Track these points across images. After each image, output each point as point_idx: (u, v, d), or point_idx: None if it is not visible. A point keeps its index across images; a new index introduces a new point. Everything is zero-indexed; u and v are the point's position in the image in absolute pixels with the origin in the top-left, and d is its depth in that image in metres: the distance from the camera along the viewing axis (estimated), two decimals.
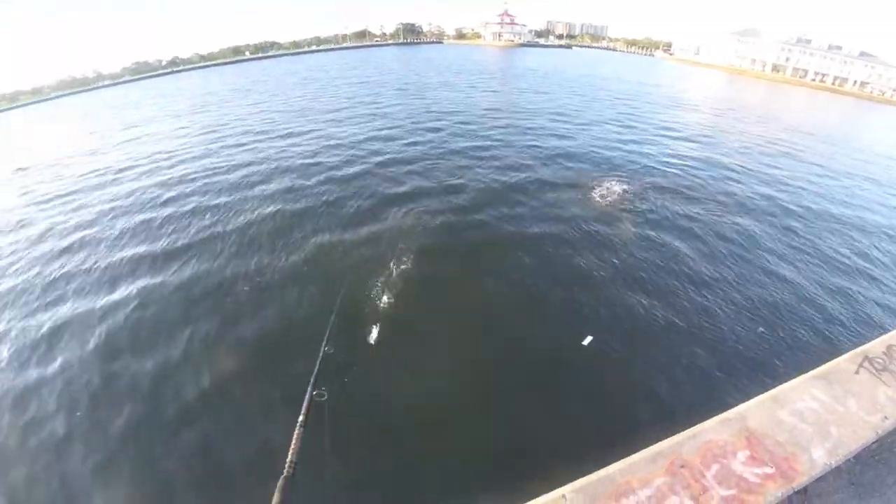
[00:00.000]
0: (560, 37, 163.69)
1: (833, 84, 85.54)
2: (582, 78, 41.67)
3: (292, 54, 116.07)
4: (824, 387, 3.83)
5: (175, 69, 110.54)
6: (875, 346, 4.22)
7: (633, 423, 5.18)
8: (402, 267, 8.45)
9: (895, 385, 3.71)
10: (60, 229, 12.56)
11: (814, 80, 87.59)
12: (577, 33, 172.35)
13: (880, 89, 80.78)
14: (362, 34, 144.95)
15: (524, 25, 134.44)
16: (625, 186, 11.71)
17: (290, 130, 21.38)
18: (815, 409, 3.59)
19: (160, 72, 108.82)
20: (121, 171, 18.04)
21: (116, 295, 8.51)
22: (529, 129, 18.82)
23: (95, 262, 9.89)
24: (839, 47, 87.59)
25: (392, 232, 9.76)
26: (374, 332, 6.82)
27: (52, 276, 9.71)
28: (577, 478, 3.11)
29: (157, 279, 8.91)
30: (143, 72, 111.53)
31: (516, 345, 6.54)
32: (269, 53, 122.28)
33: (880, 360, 3.98)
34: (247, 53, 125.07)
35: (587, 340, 6.38)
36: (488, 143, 16.82)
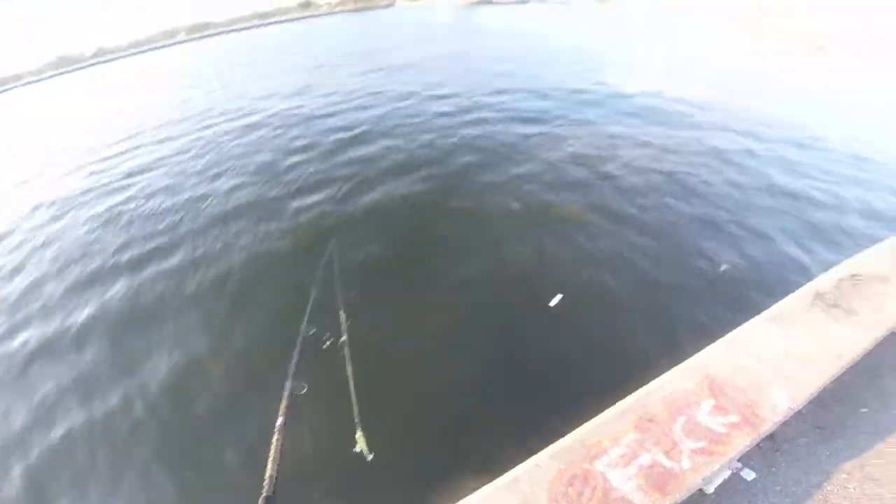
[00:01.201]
0: None
1: None
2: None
3: (231, 31, 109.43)
4: (779, 326, 3.89)
5: (102, 59, 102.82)
6: (826, 280, 4.29)
7: (600, 379, 5.23)
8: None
9: (845, 321, 3.78)
10: None
11: None
12: None
13: None
14: (306, 4, 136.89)
15: None
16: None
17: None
18: (772, 349, 3.65)
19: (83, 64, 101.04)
20: None
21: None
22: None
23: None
24: None
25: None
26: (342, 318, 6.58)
27: None
28: (551, 443, 3.11)
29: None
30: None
31: (485, 312, 6.49)
32: (205, 33, 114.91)
33: (831, 295, 4.05)
34: (183, 35, 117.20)
35: (555, 300, 6.32)
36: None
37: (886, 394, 3.67)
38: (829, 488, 2.99)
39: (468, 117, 14.35)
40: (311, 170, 11.72)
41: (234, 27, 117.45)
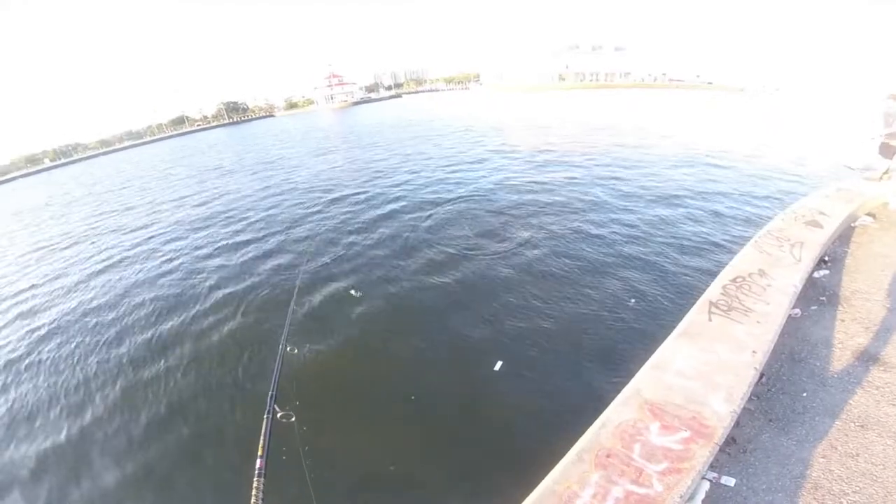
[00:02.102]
0: (389, 87, 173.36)
1: (605, 80, 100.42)
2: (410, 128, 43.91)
3: (103, 153, 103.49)
4: (689, 341, 4.12)
5: None
6: (713, 290, 4.74)
7: (552, 426, 5.20)
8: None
9: (745, 320, 4.17)
10: None
11: (592, 80, 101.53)
12: (402, 80, 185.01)
13: (641, 77, 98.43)
14: (180, 120, 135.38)
15: (354, 83, 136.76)
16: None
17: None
18: (692, 365, 3.80)
19: None
20: None
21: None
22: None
23: None
24: (600, 47, 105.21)
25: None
26: None
27: None
28: (524, 498, 2.90)
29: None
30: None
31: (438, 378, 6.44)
32: (74, 157, 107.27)
33: (724, 302, 4.49)
34: (46, 161, 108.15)
35: (498, 365, 6.50)
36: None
37: (816, 374, 3.96)
38: (814, 474, 3.04)
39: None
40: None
41: (103, 150, 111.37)
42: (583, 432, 3.33)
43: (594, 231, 10.75)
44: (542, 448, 3.93)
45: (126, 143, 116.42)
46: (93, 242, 17.63)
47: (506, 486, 3.81)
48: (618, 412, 3.46)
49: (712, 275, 5.55)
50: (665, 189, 14.07)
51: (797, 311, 4.84)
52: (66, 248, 17.70)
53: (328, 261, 10.90)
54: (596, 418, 3.45)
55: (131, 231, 18.09)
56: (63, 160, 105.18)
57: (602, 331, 6.91)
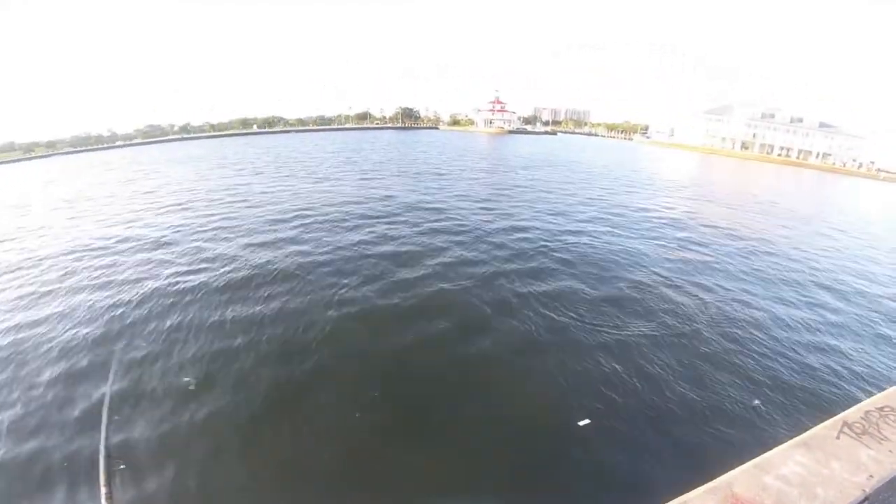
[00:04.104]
0: (546, 123, 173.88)
1: (798, 158, 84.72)
2: (571, 165, 43.94)
3: (297, 131, 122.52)
4: (806, 452, 3.95)
5: (186, 136, 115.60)
6: (853, 412, 4.43)
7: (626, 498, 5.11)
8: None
9: (878, 447, 3.84)
10: None
11: (780, 154, 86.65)
12: (561, 119, 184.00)
13: (842, 160, 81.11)
14: (364, 116, 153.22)
15: (514, 112, 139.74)
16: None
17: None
18: (799, 472, 3.68)
19: (171, 137, 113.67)
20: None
21: None
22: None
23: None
24: (801, 120, 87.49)
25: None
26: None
27: None
28: None
29: None
30: (154, 136, 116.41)
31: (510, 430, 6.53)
32: (276, 129, 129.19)
33: (859, 425, 4.17)
34: (255, 127, 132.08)
35: (584, 422, 6.56)
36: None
37: None
38: None
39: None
40: None
41: (299, 127, 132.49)
42: None
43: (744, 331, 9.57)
44: None
45: (319, 126, 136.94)
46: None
47: None
48: (698, 498, 3.48)
49: (853, 399, 4.99)
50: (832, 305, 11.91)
51: None
52: None
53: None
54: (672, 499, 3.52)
55: None
56: (267, 129, 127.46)
57: (717, 422, 6.49)
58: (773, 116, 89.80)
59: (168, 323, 9.19)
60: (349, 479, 5.57)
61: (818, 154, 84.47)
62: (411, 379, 7.57)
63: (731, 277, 12.72)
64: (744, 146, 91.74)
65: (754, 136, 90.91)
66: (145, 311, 9.81)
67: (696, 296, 10.97)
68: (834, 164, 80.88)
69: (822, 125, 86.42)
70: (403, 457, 5.89)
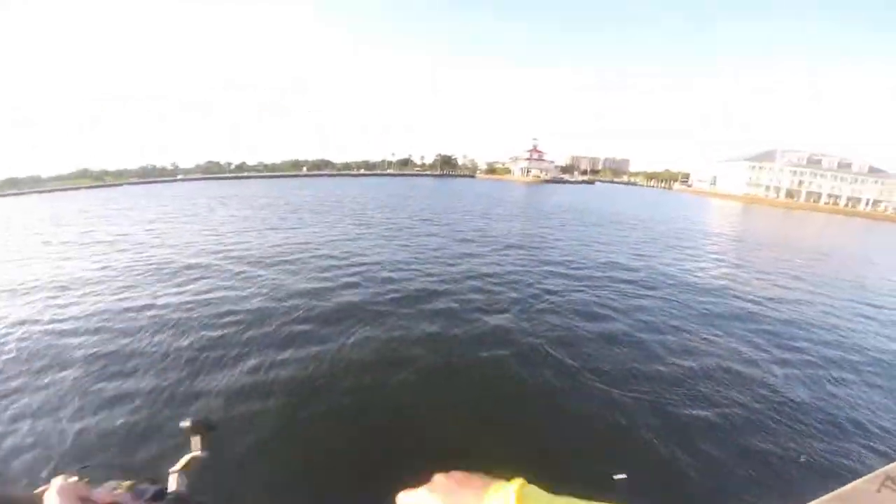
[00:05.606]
0: (584, 172, 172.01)
1: (847, 206, 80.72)
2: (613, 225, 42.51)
3: (343, 175, 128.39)
4: None
5: (240, 174, 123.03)
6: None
7: None
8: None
9: None
10: None
11: (827, 202, 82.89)
12: (599, 168, 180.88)
13: (894, 207, 76.54)
14: (405, 162, 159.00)
15: (551, 161, 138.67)
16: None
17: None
18: None
19: (227, 175, 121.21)
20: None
21: None
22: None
23: None
24: (849, 165, 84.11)
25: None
26: None
27: None
28: None
29: None
30: (213, 171, 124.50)
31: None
32: (323, 172, 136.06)
33: None
34: (304, 169, 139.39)
35: (620, 476, 6.61)
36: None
37: None
38: None
39: None
40: None
41: (343, 171, 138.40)
42: None
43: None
44: None
45: (362, 171, 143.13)
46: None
47: None
48: None
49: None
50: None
51: None
52: None
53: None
54: None
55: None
56: (315, 172, 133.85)
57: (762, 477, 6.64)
58: (819, 162, 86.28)
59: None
60: None
61: (868, 201, 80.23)
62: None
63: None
64: (789, 194, 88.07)
65: (800, 183, 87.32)
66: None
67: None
68: (885, 210, 76.22)
69: (871, 170, 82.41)
70: None
